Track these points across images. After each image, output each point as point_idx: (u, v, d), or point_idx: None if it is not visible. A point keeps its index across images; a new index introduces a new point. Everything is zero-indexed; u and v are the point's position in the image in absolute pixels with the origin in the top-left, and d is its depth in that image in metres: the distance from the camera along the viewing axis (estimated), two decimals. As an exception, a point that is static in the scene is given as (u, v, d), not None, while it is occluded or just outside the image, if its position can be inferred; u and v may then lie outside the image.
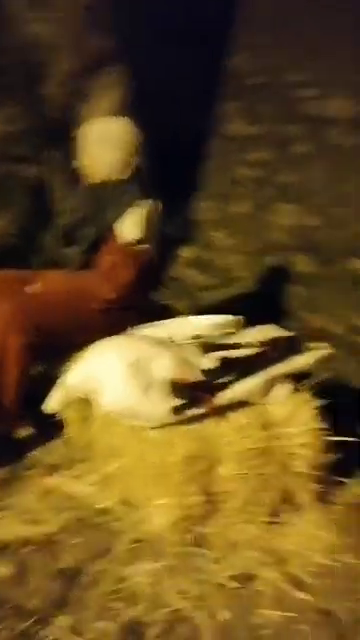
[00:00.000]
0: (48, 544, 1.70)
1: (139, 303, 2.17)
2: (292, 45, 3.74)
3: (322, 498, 1.81)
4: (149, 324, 2.14)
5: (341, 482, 1.92)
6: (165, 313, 2.38)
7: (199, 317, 2.15)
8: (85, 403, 1.94)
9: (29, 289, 2.09)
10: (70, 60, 2.97)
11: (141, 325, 2.14)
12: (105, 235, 2.08)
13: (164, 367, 1.69)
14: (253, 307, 3.03)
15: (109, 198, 2.06)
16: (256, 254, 3.84)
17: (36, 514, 1.81)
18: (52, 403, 1.78)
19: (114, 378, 1.66)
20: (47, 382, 2.11)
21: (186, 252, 4.20)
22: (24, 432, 2.12)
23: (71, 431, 2.07)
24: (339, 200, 3.25)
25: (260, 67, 3.94)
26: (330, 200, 3.32)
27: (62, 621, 1.46)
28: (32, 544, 1.70)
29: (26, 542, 1.71)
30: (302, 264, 3.48)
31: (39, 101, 3.23)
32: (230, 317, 2.02)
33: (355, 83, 3.18)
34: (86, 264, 2.11)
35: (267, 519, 1.73)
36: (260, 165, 3.89)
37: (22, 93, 3.25)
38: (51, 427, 2.14)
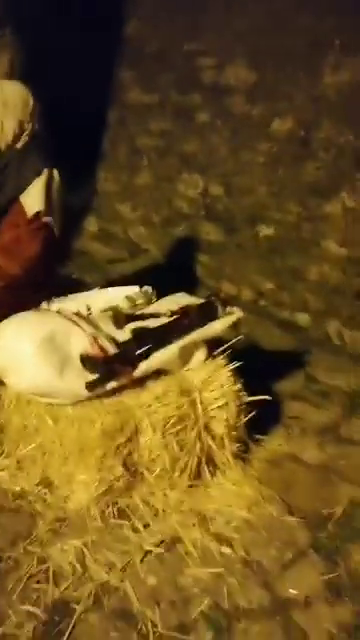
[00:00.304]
0: None
1: (45, 278, 2.07)
2: (187, 12, 3.68)
3: (241, 456, 1.86)
4: (60, 299, 2.07)
5: (257, 440, 1.99)
6: (75, 287, 2.31)
7: (109, 289, 2.11)
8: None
9: None
10: None
11: (51, 300, 2.06)
12: (4, 208, 1.95)
13: (78, 342, 1.64)
14: (162, 278, 3.04)
15: (7, 169, 1.93)
16: (162, 225, 3.83)
17: None
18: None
19: (26, 357, 1.59)
20: None
21: (92, 225, 4.11)
22: None
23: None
24: (241, 168, 3.28)
25: (155, 35, 3.86)
26: (232, 169, 3.35)
27: (-17, 610, 1.40)
28: None
29: None
30: (207, 233, 3.51)
31: None
32: (140, 288, 1.99)
33: (252, 52, 3.20)
34: (-16, 239, 1.98)
35: (189, 483, 1.74)
36: (161, 134, 3.84)
37: None
38: None
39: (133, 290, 2.07)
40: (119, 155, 4.14)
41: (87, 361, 1.62)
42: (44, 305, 2.01)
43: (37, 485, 1.77)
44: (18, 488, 1.77)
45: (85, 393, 1.62)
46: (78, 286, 2.46)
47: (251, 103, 3.24)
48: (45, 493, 1.75)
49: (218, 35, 3.47)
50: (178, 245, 3.62)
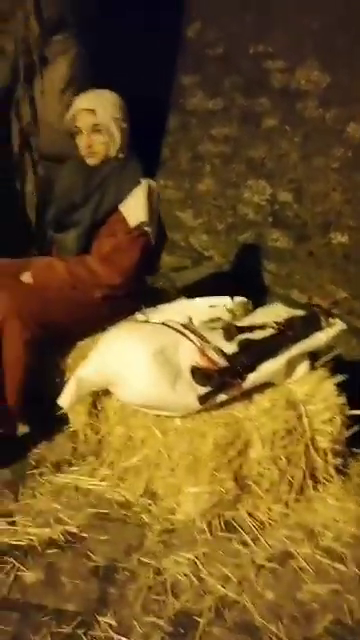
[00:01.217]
0: (74, 543, 1.64)
1: (138, 288, 2.09)
2: (251, 13, 3.67)
3: (343, 471, 1.84)
4: (151, 309, 2.08)
5: (355, 454, 1.96)
6: (157, 296, 2.32)
7: (197, 300, 2.11)
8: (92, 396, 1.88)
9: (25, 277, 1.98)
10: (29, 27, 2.78)
11: (142, 310, 2.08)
12: (102, 218, 1.98)
13: (187, 354, 1.64)
14: (227, 285, 3.04)
15: (108, 179, 1.95)
16: (226, 232, 3.82)
17: (53, 514, 1.73)
18: (68, 398, 1.69)
19: (139, 369, 1.60)
20: (45, 374, 2.03)
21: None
22: (22, 429, 2.03)
23: (77, 425, 2.00)
24: (312, 175, 3.25)
25: (220, 37, 3.85)
26: (303, 175, 3.32)
27: (107, 621, 1.41)
28: (57, 546, 1.63)
29: (50, 543, 1.64)
30: (275, 240, 3.49)
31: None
32: (238, 299, 1.99)
33: (325, 52, 3.15)
34: (83, 249, 2.00)
35: (294, 497, 1.73)
36: (226, 140, 3.82)
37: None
38: (47, 422, 2.06)
39: (224, 300, 2.08)
40: (180, 162, 4.14)
41: (197, 373, 1.62)
42: (138, 315, 2.02)
43: (140, 496, 1.78)
44: (122, 498, 1.80)
45: (197, 406, 1.62)
46: (159, 295, 2.48)
47: (324, 107, 3.20)
48: (150, 504, 1.76)
49: (288, 36, 3.43)
50: (243, 252, 3.60)
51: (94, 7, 3.45)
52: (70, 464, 1.95)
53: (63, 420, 2.06)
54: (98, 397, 1.85)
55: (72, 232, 2.01)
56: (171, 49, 4.05)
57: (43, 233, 2.98)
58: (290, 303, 2.04)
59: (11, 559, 1.57)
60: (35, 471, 1.91)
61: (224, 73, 3.85)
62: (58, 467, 1.94)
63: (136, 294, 2.08)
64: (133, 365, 1.61)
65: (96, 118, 1.93)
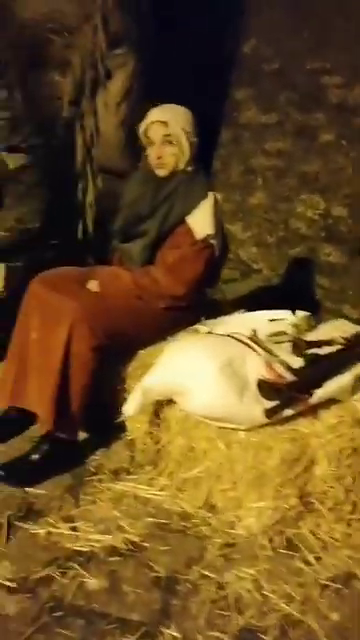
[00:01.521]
0: (136, 552, 1.65)
1: (199, 300, 2.10)
2: (309, 29, 3.68)
3: None
4: (211, 321, 2.09)
5: None
6: (208, 308, 2.32)
7: (259, 313, 2.11)
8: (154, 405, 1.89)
9: (91, 286, 2.02)
10: (96, 41, 2.85)
11: (202, 322, 2.09)
12: (169, 229, 2.00)
13: (254, 367, 1.64)
14: (277, 299, 3.02)
15: (176, 191, 1.98)
16: (276, 246, 3.80)
17: (114, 521, 1.74)
18: (133, 406, 1.71)
19: (206, 380, 1.60)
20: (105, 382, 2.05)
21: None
22: (81, 435, 2.05)
23: (135, 433, 2.01)
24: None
25: (275, 53, 3.87)
26: (358, 190, 3.30)
27: (171, 633, 1.41)
28: (118, 554, 1.64)
29: (112, 552, 1.64)
30: (328, 255, 3.46)
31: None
32: (302, 313, 1.98)
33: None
34: (148, 259, 2.03)
35: (358, 517, 1.70)
36: (279, 154, 3.83)
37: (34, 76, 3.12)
38: (106, 429, 2.08)
39: (284, 314, 2.07)
40: (232, 174, 4.15)
41: (264, 387, 1.61)
42: (199, 327, 2.03)
43: (199, 508, 1.78)
44: (180, 509, 1.79)
45: (263, 419, 1.61)
46: (216, 307, 2.49)
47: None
48: (209, 517, 1.76)
49: (345, 52, 3.43)
50: (294, 266, 3.58)
51: (151, 23, 3.53)
52: (128, 472, 1.97)
53: (121, 428, 2.09)
54: (160, 406, 1.86)
55: (138, 242, 2.04)
56: (226, 64, 4.10)
57: (101, 243, 3.07)
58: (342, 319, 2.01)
59: (75, 565, 1.58)
60: (94, 477, 1.93)
61: (279, 88, 3.87)
62: (116, 475, 1.95)
63: (197, 306, 2.09)
64: (201, 376, 1.62)
65: (168, 129, 1.96)
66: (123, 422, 2.07)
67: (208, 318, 2.15)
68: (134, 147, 3.44)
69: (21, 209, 3.18)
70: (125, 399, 2.02)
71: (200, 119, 4.07)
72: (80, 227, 3.00)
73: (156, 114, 1.99)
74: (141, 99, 3.32)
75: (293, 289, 3.51)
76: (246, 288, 3.67)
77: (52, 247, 3.29)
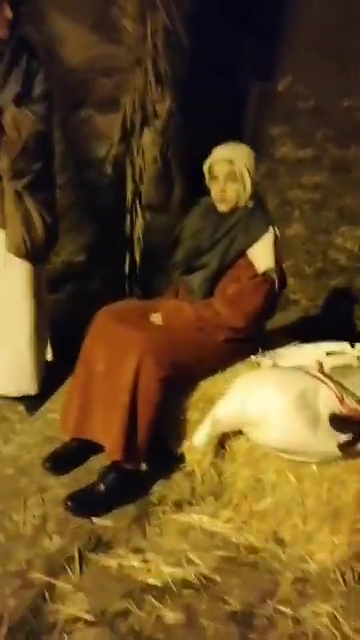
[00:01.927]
0: (209, 586, 1.65)
1: (256, 332, 2.14)
2: (344, 70, 3.79)
3: None
4: (269, 353, 2.12)
5: None
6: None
7: (313, 345, 2.13)
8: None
9: (154, 318, 2.06)
10: (144, 81, 2.97)
11: (258, 353, 2.12)
12: (230, 262, 2.05)
13: (326, 400, 1.66)
14: (316, 330, 3.04)
15: (237, 225, 2.03)
16: (315, 277, 3.84)
17: (183, 554, 1.75)
18: (202, 437, 1.73)
19: (279, 412, 1.62)
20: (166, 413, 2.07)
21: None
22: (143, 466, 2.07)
23: (195, 465, 2.02)
24: None
25: (312, 91, 3.98)
26: None
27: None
28: (192, 587, 1.64)
29: (185, 584, 1.65)
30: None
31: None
32: (352, 345, 2.00)
33: None
34: (209, 291, 2.07)
35: None
36: (316, 188, 3.90)
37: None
38: (166, 460, 2.10)
39: (342, 346, 2.09)
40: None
41: (338, 420, 1.63)
42: (261, 359, 2.06)
43: (267, 541, 1.78)
44: (247, 542, 1.80)
45: (336, 453, 1.63)
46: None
47: None
48: (278, 551, 1.75)
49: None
50: (333, 297, 3.60)
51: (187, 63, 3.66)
52: (190, 503, 1.97)
53: (180, 458, 2.10)
54: (225, 437, 1.88)
55: (199, 275, 2.09)
56: (261, 102, 4.23)
57: (147, 276, 3.13)
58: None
59: (150, 597, 1.59)
60: (158, 509, 1.94)
61: (315, 125, 3.97)
62: (179, 506, 1.96)
63: (254, 337, 2.12)
64: (274, 409, 1.64)
65: (232, 167, 2.02)
66: (182, 453, 2.09)
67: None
68: (167, 181, 3.55)
69: (67, 244, 3.27)
70: (184, 430, 2.06)
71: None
72: (127, 260, 3.06)
73: (222, 152, 2.05)
74: (177, 135, 3.43)
75: (332, 320, 3.53)
76: (283, 319, 3.69)
77: (97, 279, 3.38)
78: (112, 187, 3.12)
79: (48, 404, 2.46)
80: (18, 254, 2.19)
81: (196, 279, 2.09)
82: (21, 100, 2.08)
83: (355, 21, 3.77)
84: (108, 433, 1.92)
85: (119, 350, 1.92)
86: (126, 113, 2.92)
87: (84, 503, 1.88)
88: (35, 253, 2.23)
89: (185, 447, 2.07)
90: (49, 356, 2.49)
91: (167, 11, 2.86)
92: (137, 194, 2.97)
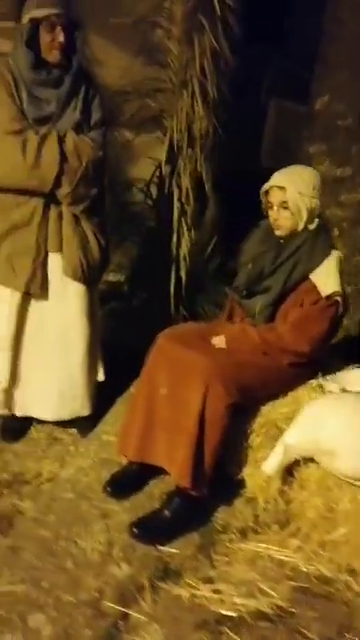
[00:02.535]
0: (284, 618, 1.61)
1: (319, 356, 2.11)
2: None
3: None
4: (329, 376, 2.10)
5: None
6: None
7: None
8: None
9: (217, 342, 2.05)
10: (193, 105, 2.99)
11: (318, 377, 2.09)
12: (292, 286, 2.03)
13: None
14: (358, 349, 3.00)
15: (300, 249, 2.02)
16: (356, 295, 3.81)
17: (254, 584, 1.72)
18: (273, 465, 1.71)
19: (354, 441, 1.59)
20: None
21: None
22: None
23: (258, 491, 1.99)
24: None
25: (349, 110, 3.97)
26: None
27: None
28: (267, 618, 1.61)
29: (260, 616, 1.62)
30: None
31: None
32: None
33: None
34: (271, 315, 2.06)
35: None
36: (355, 206, 3.88)
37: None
38: (227, 486, 2.07)
39: None
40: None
41: None
42: (321, 383, 2.04)
43: (340, 572, 1.74)
44: (319, 572, 1.76)
45: None
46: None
47: None
48: (352, 582, 1.72)
49: None
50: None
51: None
52: (255, 532, 1.94)
53: (239, 484, 2.08)
54: (293, 464, 1.85)
55: (260, 299, 2.07)
56: (298, 120, 4.24)
57: (192, 295, 3.13)
58: None
59: (226, 629, 1.56)
60: (223, 537, 1.91)
61: (353, 142, 3.95)
62: (244, 534, 1.93)
63: (316, 361, 2.10)
64: (349, 436, 1.61)
65: (285, 195, 2.01)
66: (242, 478, 2.06)
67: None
68: (202, 199, 3.54)
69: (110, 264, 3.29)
70: (245, 455, 2.03)
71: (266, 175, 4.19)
72: (173, 279, 3.06)
73: (276, 179, 2.04)
74: (212, 153, 3.44)
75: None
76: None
77: (138, 299, 3.38)
78: (154, 208, 3.13)
79: (101, 426, 2.45)
80: (75, 277, 2.19)
81: (258, 303, 2.07)
82: (80, 127, 2.10)
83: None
84: (173, 458, 1.90)
85: (184, 374, 1.91)
86: (173, 135, 2.93)
87: (149, 530, 1.86)
88: (90, 275, 2.24)
89: (246, 473, 2.05)
90: (101, 376, 2.49)
91: (214, 33, 2.88)
92: (183, 214, 2.98)
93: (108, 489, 2.03)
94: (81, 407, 2.37)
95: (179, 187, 2.96)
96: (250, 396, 1.96)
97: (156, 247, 3.14)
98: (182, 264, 3.02)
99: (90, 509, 1.98)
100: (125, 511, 1.98)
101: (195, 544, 1.87)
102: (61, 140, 2.03)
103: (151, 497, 2.05)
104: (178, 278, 3.05)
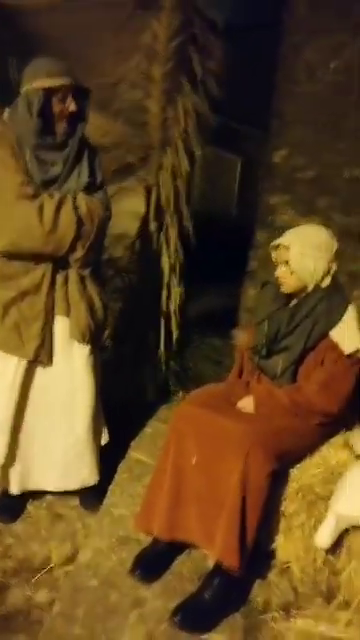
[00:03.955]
0: None
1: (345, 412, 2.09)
2: (346, 142, 3.97)
3: None
4: (354, 432, 2.08)
5: None
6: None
7: None
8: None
9: (244, 405, 1.98)
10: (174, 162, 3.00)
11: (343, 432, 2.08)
12: (313, 345, 2.01)
13: None
14: None
15: (317, 307, 2.00)
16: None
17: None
18: (326, 538, 1.63)
19: None
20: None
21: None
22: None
23: (295, 563, 1.91)
24: None
25: (311, 163, 4.13)
26: None
27: None
28: None
29: None
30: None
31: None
32: None
33: None
34: (294, 375, 2.02)
35: None
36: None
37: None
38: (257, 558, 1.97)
39: None
40: (272, 273, 4.29)
41: None
42: (339, 440, 2.02)
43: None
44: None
45: None
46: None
47: None
48: None
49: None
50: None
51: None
52: (297, 607, 1.84)
53: (270, 555, 1.98)
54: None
55: (279, 358, 2.03)
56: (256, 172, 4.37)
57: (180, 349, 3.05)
58: None
59: None
60: (266, 617, 1.80)
61: (317, 194, 4.10)
62: (287, 611, 1.83)
63: (340, 419, 2.07)
64: None
65: (288, 254, 2.01)
66: (273, 549, 1.98)
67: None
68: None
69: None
70: (277, 523, 1.94)
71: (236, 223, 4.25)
72: (162, 334, 2.99)
73: (283, 237, 2.03)
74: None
75: None
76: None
77: (123, 357, 3.27)
78: (146, 261, 3.07)
79: (108, 498, 2.30)
80: (83, 339, 2.09)
81: (279, 363, 2.03)
82: (88, 189, 2.04)
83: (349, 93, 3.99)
84: (210, 535, 1.79)
85: (218, 442, 1.82)
86: (160, 191, 2.92)
87: (191, 616, 1.72)
88: (95, 336, 2.14)
89: (279, 542, 1.96)
90: (105, 438, 2.35)
91: (197, 94, 2.93)
92: (173, 268, 2.94)
93: (137, 573, 1.87)
94: (88, 475, 2.23)
95: (167, 242, 2.93)
96: (285, 461, 1.90)
97: (142, 302, 3.07)
98: (173, 318, 2.96)
99: (121, 598, 1.81)
100: (157, 597, 1.83)
101: (239, 627, 1.75)
102: (74, 204, 1.96)
103: (181, 578, 1.91)
104: (168, 333, 2.99)
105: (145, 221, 3.05)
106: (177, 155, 2.92)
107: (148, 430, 2.88)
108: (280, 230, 4.38)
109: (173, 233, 2.92)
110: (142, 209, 3.11)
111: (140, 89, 3.09)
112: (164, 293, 2.92)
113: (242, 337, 2.26)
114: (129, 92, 3.08)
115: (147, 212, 3.03)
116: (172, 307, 2.94)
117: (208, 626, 1.71)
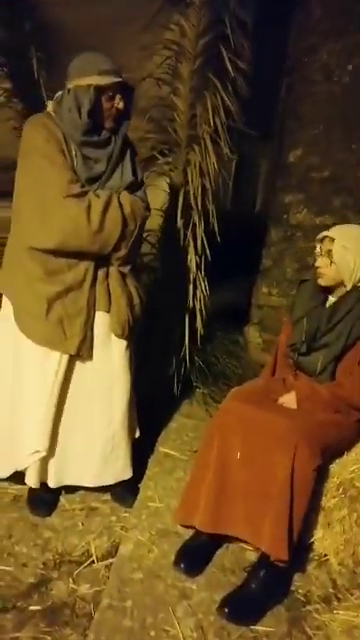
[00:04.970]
0: None
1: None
2: (357, 141, 4.01)
3: None
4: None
5: None
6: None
7: None
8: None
9: (286, 401, 2.02)
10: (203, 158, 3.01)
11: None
12: (352, 342, 2.05)
13: None
14: None
15: (355, 308, 2.03)
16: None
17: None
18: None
19: None
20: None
21: (255, 337, 4.25)
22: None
23: (333, 555, 1.95)
24: None
25: (326, 163, 4.17)
26: None
27: None
28: None
29: None
30: None
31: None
32: None
33: None
34: (334, 372, 2.06)
35: None
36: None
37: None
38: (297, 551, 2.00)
39: None
40: (285, 271, 4.33)
41: None
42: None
43: None
44: None
45: None
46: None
47: None
48: None
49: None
50: None
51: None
52: (338, 599, 1.88)
53: (308, 547, 2.02)
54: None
55: (319, 355, 2.07)
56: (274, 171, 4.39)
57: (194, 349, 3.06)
58: None
59: None
60: (309, 608, 1.84)
61: (332, 193, 4.14)
62: (328, 602, 1.86)
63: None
64: None
65: (332, 246, 2.05)
66: (312, 542, 2.02)
67: None
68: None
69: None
70: (316, 517, 1.98)
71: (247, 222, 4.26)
72: (187, 331, 3.01)
73: (330, 230, 2.09)
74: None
75: None
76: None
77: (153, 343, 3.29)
78: (173, 258, 3.08)
79: (146, 492, 2.32)
80: (122, 334, 2.11)
81: (320, 360, 2.06)
82: (130, 187, 2.05)
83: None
84: (257, 528, 1.82)
85: (265, 437, 1.85)
86: (187, 187, 2.93)
87: (239, 608, 1.75)
88: (133, 331, 2.17)
89: (317, 536, 2.00)
90: (137, 433, 2.37)
91: (225, 92, 2.94)
92: (199, 266, 2.96)
93: (182, 566, 1.89)
94: (123, 470, 2.25)
95: (194, 239, 2.95)
96: (327, 456, 1.93)
97: (166, 298, 3.09)
98: (198, 316, 2.98)
99: (167, 590, 1.84)
100: (202, 588, 1.86)
101: (285, 619, 1.78)
102: (120, 203, 1.98)
103: (224, 570, 1.94)
104: (192, 329, 3.01)
105: (170, 218, 3.05)
106: (205, 153, 2.92)
107: (173, 425, 2.90)
108: (297, 229, 4.46)
109: (200, 231, 2.93)
110: (166, 206, 3.12)
111: (167, 86, 3.09)
112: (190, 289, 2.94)
113: (281, 335, 2.28)
114: (155, 89, 3.09)
115: (172, 209, 3.03)
116: (198, 304, 2.95)
117: (255, 617, 1.74)
